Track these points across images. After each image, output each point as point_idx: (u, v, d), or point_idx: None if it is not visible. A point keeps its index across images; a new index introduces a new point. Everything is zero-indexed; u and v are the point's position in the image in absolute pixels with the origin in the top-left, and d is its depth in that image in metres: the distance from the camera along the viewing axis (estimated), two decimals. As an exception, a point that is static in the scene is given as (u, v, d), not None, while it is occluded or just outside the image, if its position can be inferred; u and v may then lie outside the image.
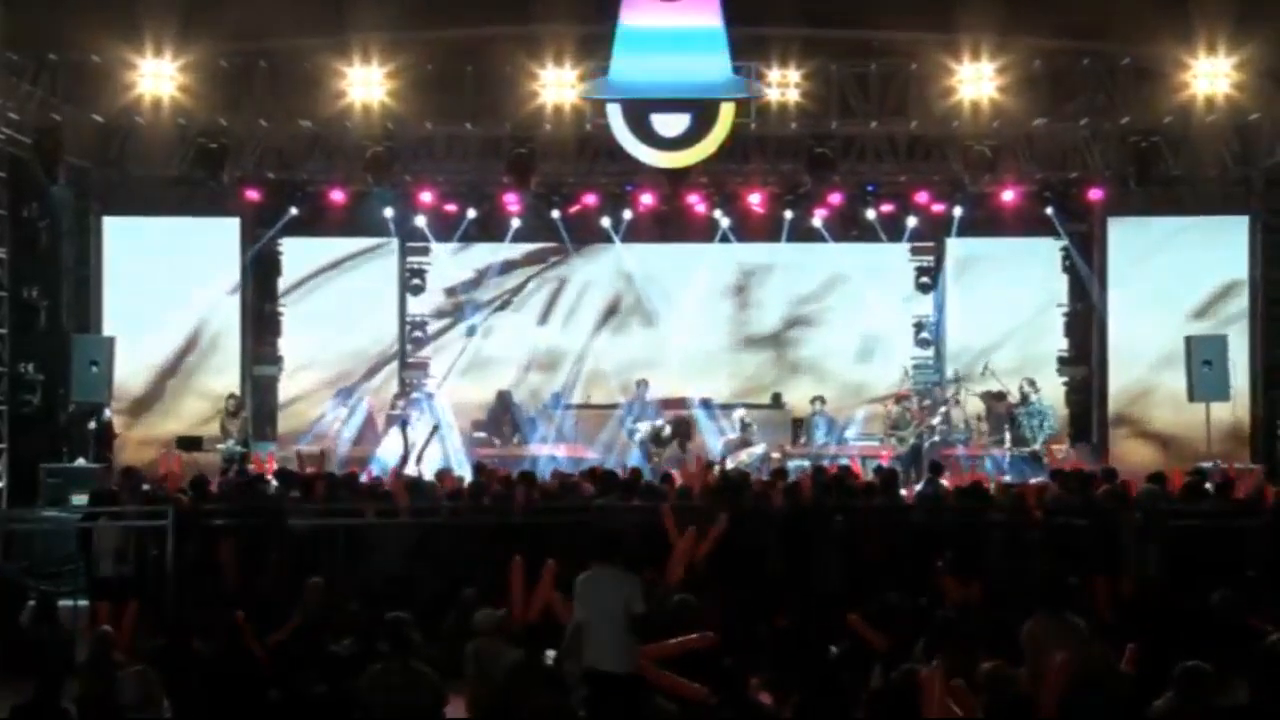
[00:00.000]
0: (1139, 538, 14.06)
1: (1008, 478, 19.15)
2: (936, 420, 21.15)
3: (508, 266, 23.25)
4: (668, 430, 21.29)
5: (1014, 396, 20.87)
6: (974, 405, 21.51)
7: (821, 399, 21.83)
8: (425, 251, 23.15)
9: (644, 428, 21.48)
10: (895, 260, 22.99)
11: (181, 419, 21.80)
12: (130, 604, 11.89)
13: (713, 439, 21.68)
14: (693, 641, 10.86)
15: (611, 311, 23.35)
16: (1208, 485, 16.08)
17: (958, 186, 21.11)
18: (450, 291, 23.39)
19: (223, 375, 21.98)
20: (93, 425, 20.31)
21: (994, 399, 21.13)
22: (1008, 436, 20.69)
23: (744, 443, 21.25)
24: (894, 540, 14.42)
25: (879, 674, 10.45)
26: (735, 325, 23.44)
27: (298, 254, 22.90)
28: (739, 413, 21.81)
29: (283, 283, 22.95)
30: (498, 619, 11.32)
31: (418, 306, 23.41)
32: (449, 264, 23.21)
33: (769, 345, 23.40)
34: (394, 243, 22.90)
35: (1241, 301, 21.59)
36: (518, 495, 15.31)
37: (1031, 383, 20.87)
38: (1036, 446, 20.42)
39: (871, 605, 11.88)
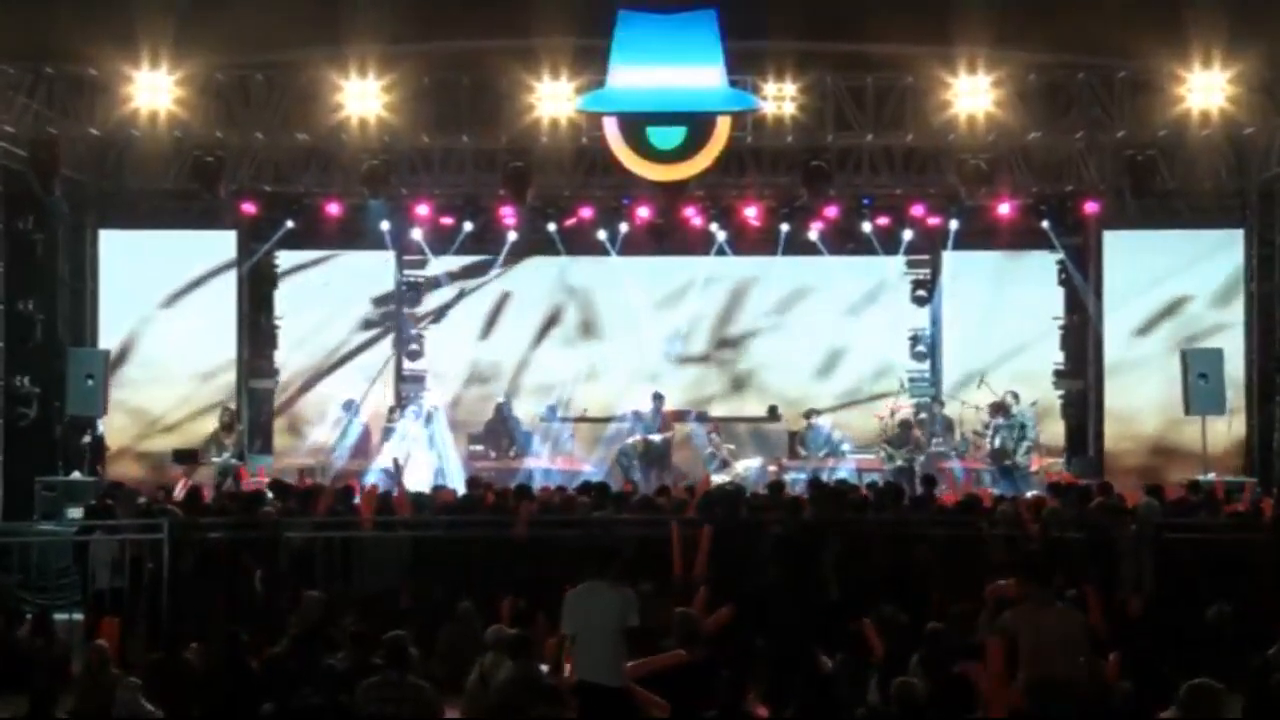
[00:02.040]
0: (1135, 551, 14.05)
1: (996, 490, 19.09)
2: (935, 440, 21.13)
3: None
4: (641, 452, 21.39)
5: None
6: (969, 418, 21.51)
7: (815, 411, 21.83)
8: (422, 265, 23.13)
9: (634, 442, 21.53)
10: (891, 273, 22.97)
11: (177, 432, 21.77)
12: (113, 621, 11.85)
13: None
14: (667, 660, 10.87)
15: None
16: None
17: (953, 199, 21.11)
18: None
19: (218, 388, 21.96)
20: (88, 439, 20.32)
21: (998, 411, 21.04)
22: (986, 448, 20.68)
23: (718, 459, 21.28)
24: (890, 554, 14.42)
25: (875, 687, 10.47)
26: (726, 334, 23.41)
27: (294, 267, 22.87)
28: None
29: (279, 295, 22.92)
30: (508, 636, 11.30)
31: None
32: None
33: (762, 355, 23.35)
34: (390, 255, 22.86)
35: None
36: (515, 509, 15.31)
37: (1015, 395, 20.89)
38: (1017, 458, 20.39)
39: (868, 618, 11.91)
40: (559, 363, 23.14)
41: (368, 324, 23.04)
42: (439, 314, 23.34)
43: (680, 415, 22.28)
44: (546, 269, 23.16)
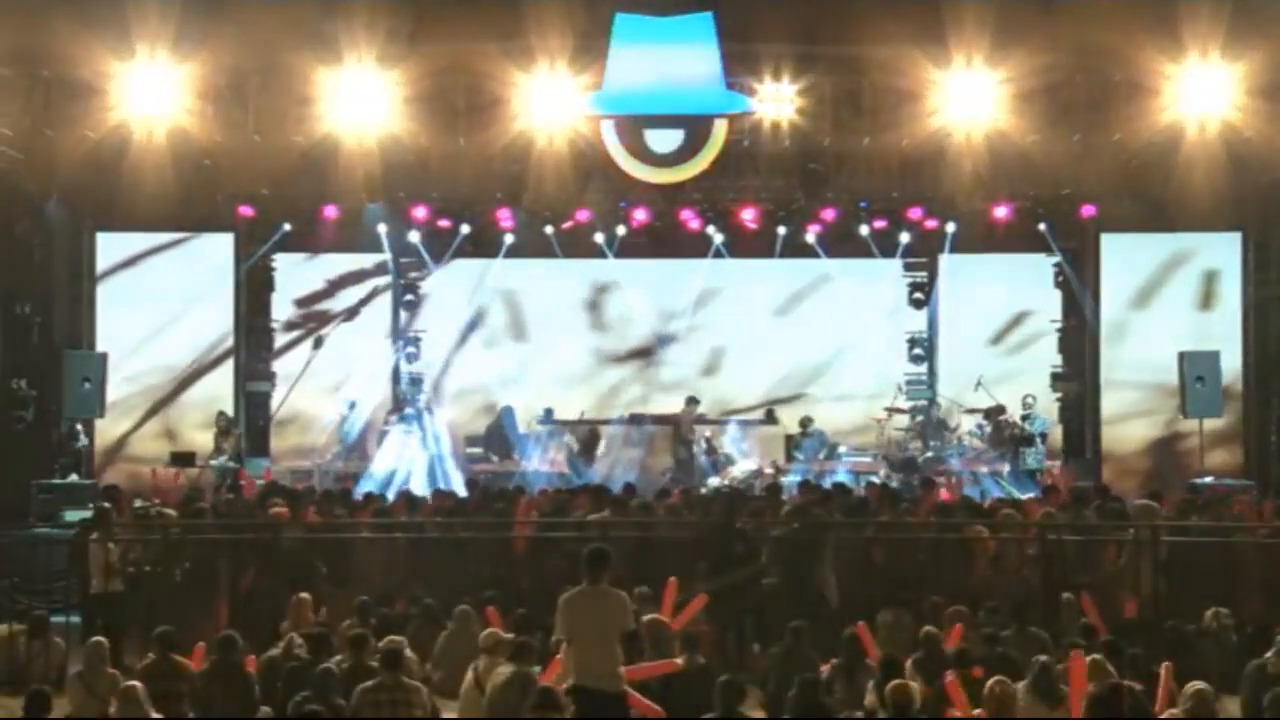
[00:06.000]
0: (1133, 555, 14.04)
1: (1001, 494, 19.09)
2: (933, 441, 21.16)
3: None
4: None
5: (1014, 414, 20.90)
6: (967, 421, 21.53)
7: (809, 419, 21.79)
8: (420, 268, 23.10)
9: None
10: (888, 276, 22.97)
11: (174, 435, 21.77)
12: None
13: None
14: (664, 667, 10.89)
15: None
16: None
17: (951, 203, 21.12)
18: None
19: (216, 391, 21.95)
20: (84, 442, 20.32)
21: (996, 414, 21.05)
22: (1010, 456, 20.64)
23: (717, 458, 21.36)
24: (888, 557, 14.43)
25: (871, 690, 10.47)
26: (726, 340, 23.42)
27: (291, 270, 22.87)
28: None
29: (276, 299, 22.91)
30: (501, 640, 11.29)
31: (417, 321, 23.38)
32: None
33: (759, 359, 23.34)
34: (388, 259, 22.86)
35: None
36: (514, 511, 15.33)
37: (1033, 398, 20.96)
38: (1037, 466, 20.43)
39: (865, 622, 11.92)
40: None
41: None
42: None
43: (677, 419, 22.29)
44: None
